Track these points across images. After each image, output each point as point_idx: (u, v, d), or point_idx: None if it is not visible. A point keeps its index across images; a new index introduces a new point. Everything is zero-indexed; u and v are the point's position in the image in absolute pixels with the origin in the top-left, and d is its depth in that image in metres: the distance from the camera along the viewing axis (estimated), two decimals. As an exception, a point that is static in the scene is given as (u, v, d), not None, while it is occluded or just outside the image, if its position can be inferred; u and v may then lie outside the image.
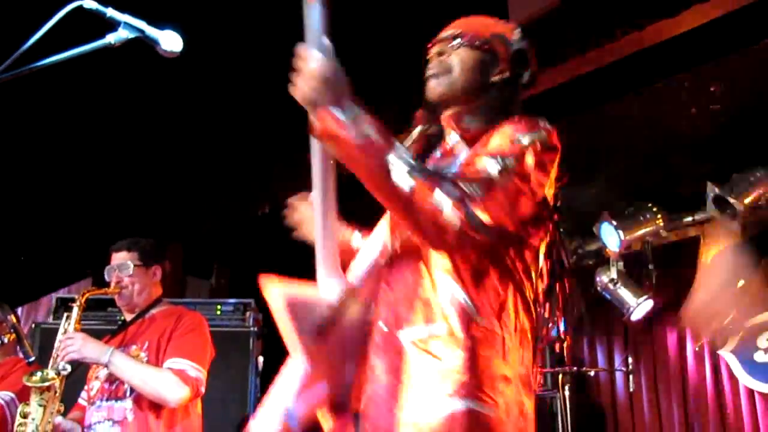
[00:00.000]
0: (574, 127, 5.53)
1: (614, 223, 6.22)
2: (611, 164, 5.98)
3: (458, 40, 2.22)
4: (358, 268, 2.14)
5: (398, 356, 1.95)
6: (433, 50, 2.26)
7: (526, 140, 1.97)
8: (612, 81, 4.93)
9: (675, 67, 4.89)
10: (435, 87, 2.20)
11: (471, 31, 2.24)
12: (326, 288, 2.05)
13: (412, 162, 1.85)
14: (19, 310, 9.87)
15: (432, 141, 2.26)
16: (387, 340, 1.99)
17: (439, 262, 1.98)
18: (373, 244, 2.17)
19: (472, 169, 1.93)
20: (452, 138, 2.19)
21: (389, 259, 2.10)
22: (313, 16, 1.87)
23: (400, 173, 1.82)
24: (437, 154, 2.20)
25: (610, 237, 6.29)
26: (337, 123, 1.84)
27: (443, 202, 1.82)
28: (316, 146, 1.97)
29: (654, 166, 5.88)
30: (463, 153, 2.11)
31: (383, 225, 2.20)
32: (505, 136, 1.99)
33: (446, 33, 2.27)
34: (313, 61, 1.85)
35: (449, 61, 2.21)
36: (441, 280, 1.97)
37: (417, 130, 2.30)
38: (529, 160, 1.95)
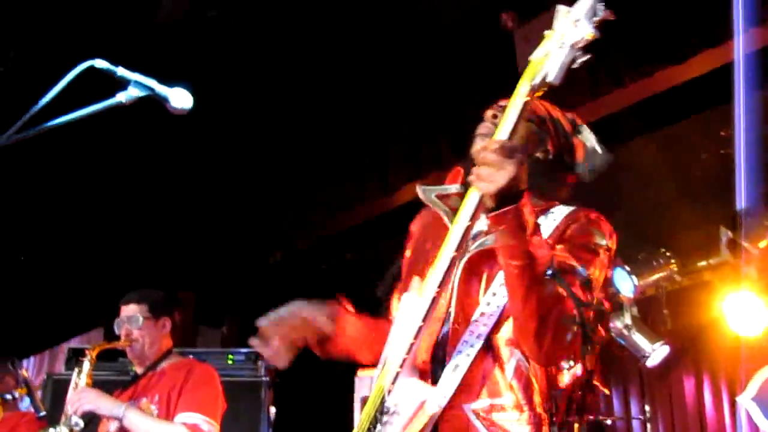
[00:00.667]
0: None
1: (627, 268, 6.18)
2: (623, 209, 5.96)
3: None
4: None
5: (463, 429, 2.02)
6: (489, 112, 2.31)
7: (603, 249, 2.14)
8: (622, 126, 4.95)
9: (684, 113, 4.90)
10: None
11: (530, 104, 2.25)
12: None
13: (556, 275, 1.91)
14: (32, 359, 9.88)
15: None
16: (451, 413, 2.03)
17: (505, 334, 2.07)
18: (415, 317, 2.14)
19: (570, 271, 2.00)
20: None
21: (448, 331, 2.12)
22: (514, 110, 1.92)
23: (548, 293, 1.90)
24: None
25: (624, 282, 6.24)
26: (511, 217, 1.86)
27: (568, 330, 1.93)
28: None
29: (666, 211, 5.86)
30: None
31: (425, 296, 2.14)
32: (584, 233, 2.14)
33: (505, 102, 2.29)
34: (512, 158, 1.84)
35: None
36: (506, 353, 2.06)
37: (454, 188, 2.35)
38: (602, 270, 2.12)
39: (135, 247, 7.22)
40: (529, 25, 4.84)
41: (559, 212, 2.20)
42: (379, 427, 2.07)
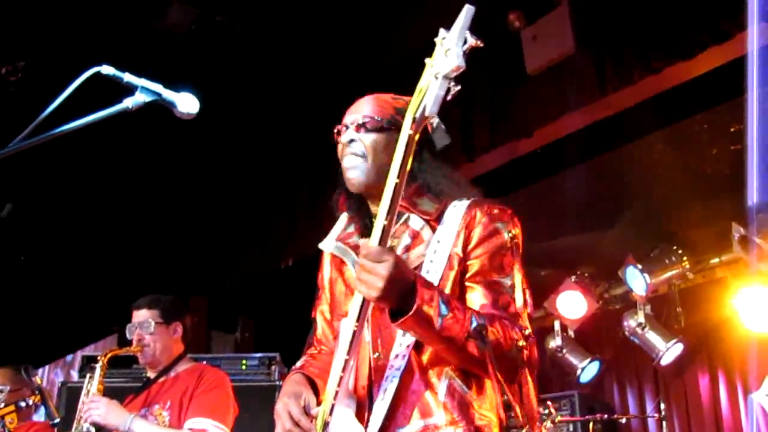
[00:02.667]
0: (595, 172, 5.53)
1: (639, 266, 6.16)
2: (634, 208, 5.94)
3: (364, 125, 2.25)
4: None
5: None
6: (342, 138, 2.29)
7: (510, 240, 2.16)
8: (631, 124, 4.94)
9: (693, 109, 4.89)
10: (355, 178, 2.25)
11: (373, 113, 2.28)
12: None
13: (479, 331, 1.95)
14: (47, 368, 9.92)
15: (363, 222, 2.33)
16: None
17: (428, 356, 2.09)
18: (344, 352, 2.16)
19: (494, 288, 2.10)
20: (415, 222, 2.20)
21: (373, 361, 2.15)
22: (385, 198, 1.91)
23: (474, 347, 1.95)
24: (406, 238, 2.19)
25: (636, 281, 6.23)
26: (412, 323, 1.92)
27: (517, 360, 2.02)
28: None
29: (677, 208, 5.84)
30: (429, 236, 2.17)
31: (347, 330, 2.17)
32: (491, 234, 2.15)
33: (349, 118, 2.30)
34: (381, 262, 1.87)
35: (361, 149, 2.24)
36: (435, 375, 2.09)
37: (343, 218, 2.40)
38: (518, 264, 2.16)
39: (147, 254, 7.24)
40: (535, 24, 4.84)
41: (455, 212, 2.19)
42: None
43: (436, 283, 2.06)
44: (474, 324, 1.95)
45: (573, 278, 6.64)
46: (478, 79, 5.00)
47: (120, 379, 4.85)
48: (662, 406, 6.05)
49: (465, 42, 1.80)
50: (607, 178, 5.75)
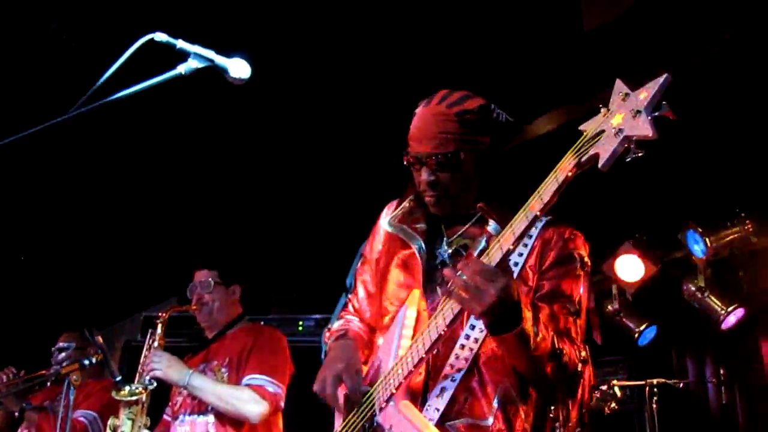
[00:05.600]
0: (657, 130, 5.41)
1: (699, 230, 6.04)
2: (695, 169, 5.82)
3: (441, 165, 2.23)
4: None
5: None
6: (421, 177, 2.27)
7: (583, 268, 2.22)
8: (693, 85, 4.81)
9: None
10: (433, 206, 2.31)
11: (446, 146, 2.21)
12: None
13: (558, 353, 2.02)
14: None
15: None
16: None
17: (490, 360, 2.13)
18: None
19: (560, 312, 2.14)
20: (493, 228, 2.13)
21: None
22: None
23: (550, 368, 2.02)
24: (483, 242, 2.14)
25: (696, 245, 6.11)
26: (512, 339, 1.95)
27: (574, 383, 2.09)
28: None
29: (738, 169, 5.70)
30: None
31: (408, 318, 2.24)
32: (565, 262, 2.20)
33: (420, 149, 2.25)
34: (494, 282, 1.87)
35: (442, 188, 2.26)
36: (493, 379, 2.13)
37: (409, 201, 2.44)
38: (584, 288, 2.22)
39: (207, 220, 7.34)
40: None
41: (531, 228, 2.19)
42: None
43: None
44: (554, 346, 2.01)
45: (631, 242, 6.55)
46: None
47: (179, 339, 4.98)
48: (722, 371, 5.97)
49: (658, 110, 1.73)
50: (666, 137, 5.61)
